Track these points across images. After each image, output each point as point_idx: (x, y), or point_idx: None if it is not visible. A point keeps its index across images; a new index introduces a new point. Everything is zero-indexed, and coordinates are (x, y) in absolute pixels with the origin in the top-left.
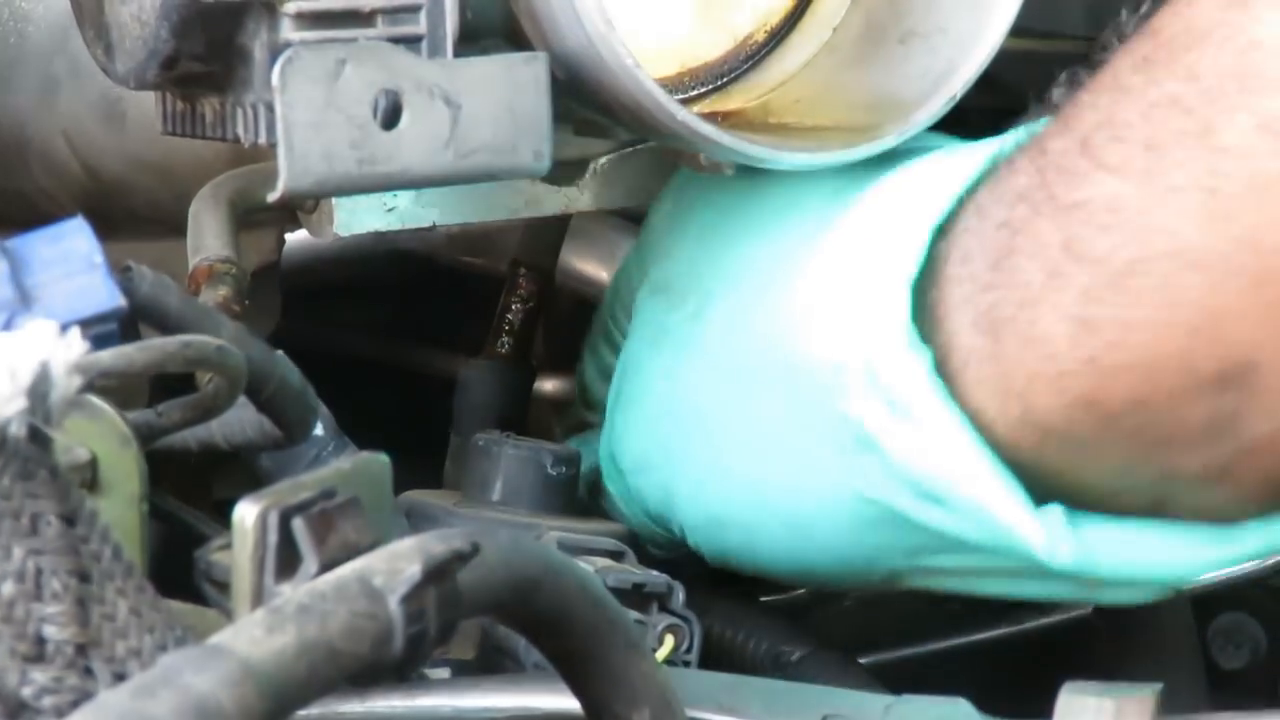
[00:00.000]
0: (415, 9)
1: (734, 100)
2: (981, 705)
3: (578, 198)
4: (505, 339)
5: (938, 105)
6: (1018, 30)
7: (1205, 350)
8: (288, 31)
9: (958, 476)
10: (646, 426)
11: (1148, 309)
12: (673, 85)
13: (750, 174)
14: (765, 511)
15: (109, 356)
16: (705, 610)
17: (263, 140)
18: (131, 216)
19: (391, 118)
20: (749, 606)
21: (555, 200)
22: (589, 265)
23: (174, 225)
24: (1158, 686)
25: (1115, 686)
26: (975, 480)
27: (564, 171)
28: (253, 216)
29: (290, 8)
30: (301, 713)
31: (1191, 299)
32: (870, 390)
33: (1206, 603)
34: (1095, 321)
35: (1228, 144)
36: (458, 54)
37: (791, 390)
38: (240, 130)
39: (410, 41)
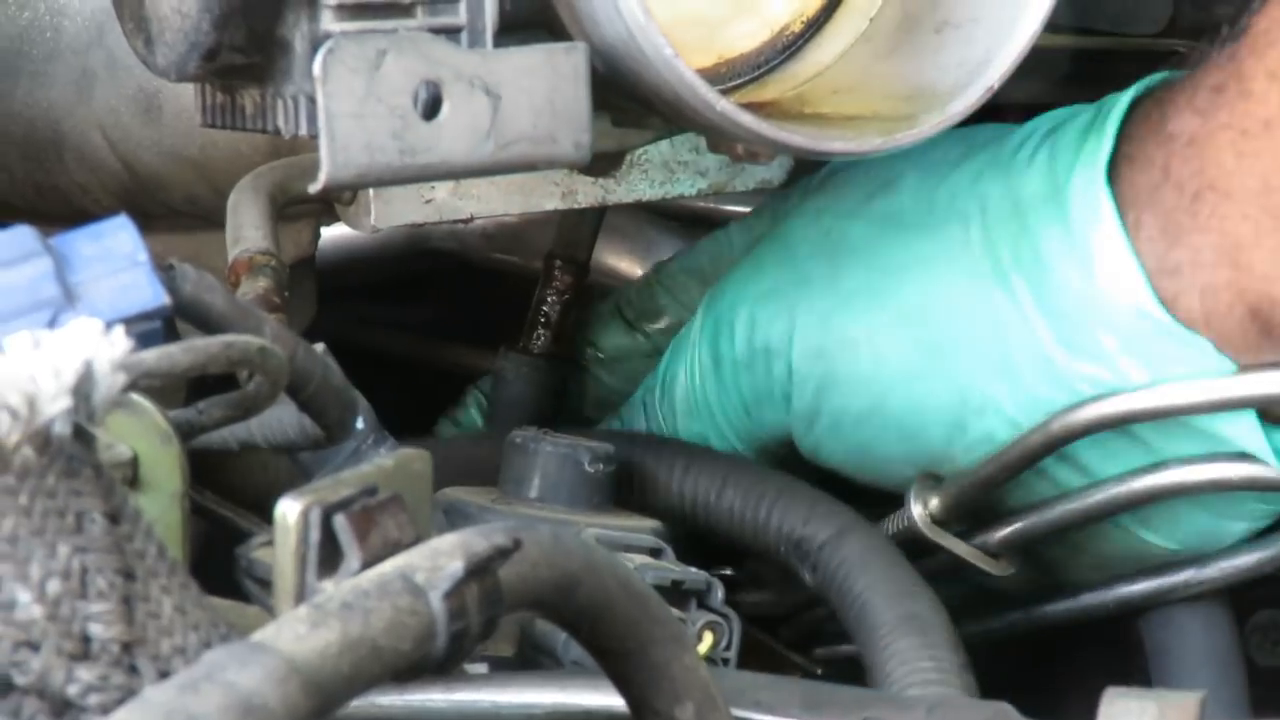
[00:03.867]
0: (455, 0)
1: (770, 91)
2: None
3: (614, 189)
4: (541, 331)
5: (974, 95)
6: (1054, 26)
7: (1243, 281)
8: (328, 22)
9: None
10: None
11: (1207, 234)
12: (710, 76)
13: None
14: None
15: (153, 356)
16: (724, 483)
17: (303, 131)
18: (168, 210)
19: (432, 108)
20: (771, 477)
21: (592, 192)
22: (624, 262)
23: (210, 218)
24: (1202, 693)
25: (1158, 692)
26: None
27: (601, 163)
28: (290, 209)
29: None
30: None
31: (1229, 227)
32: None
33: (1244, 599)
34: (1179, 236)
35: (1250, 89)
36: (496, 45)
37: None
38: (281, 122)
39: (450, 32)
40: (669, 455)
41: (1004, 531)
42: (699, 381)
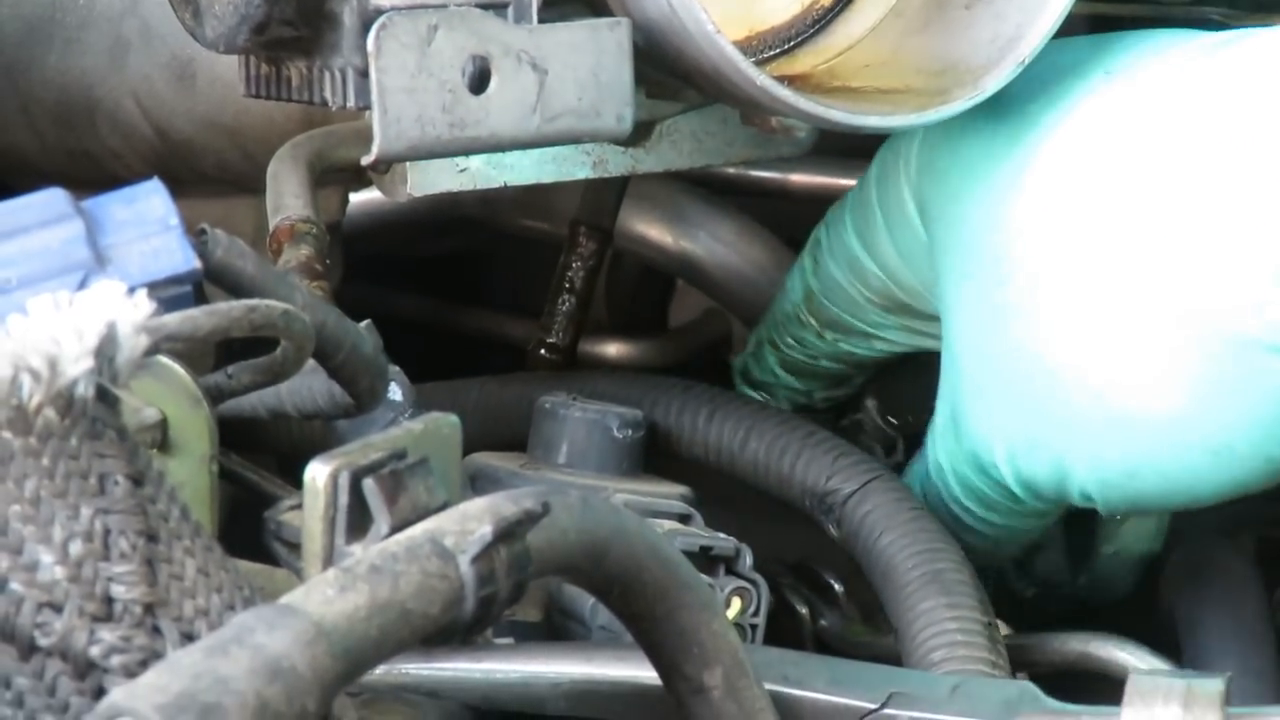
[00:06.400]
0: None
1: (801, 64)
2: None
3: (644, 159)
4: (566, 297)
5: (1006, 70)
6: None
7: None
8: None
9: None
10: (1015, 407)
11: None
12: (741, 49)
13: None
14: (1183, 445)
15: (175, 319)
16: (748, 434)
17: (351, 104)
18: (198, 176)
19: (480, 82)
20: (796, 427)
21: (622, 161)
22: (653, 229)
23: (240, 183)
24: (1227, 675)
25: (1184, 674)
26: None
27: (632, 133)
28: (321, 176)
29: None
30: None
31: None
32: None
33: (1274, 568)
34: None
35: None
36: (540, 20)
37: (1184, 321)
38: (328, 94)
39: (498, 8)
40: (693, 403)
41: None
42: (972, 512)
